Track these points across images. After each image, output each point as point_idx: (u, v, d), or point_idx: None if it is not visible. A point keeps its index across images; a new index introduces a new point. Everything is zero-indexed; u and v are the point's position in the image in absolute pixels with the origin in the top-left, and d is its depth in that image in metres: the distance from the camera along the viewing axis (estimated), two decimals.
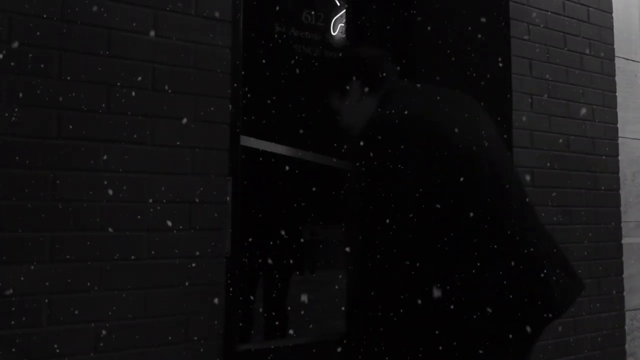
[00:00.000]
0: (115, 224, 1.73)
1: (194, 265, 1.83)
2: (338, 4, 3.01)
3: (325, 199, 3.03)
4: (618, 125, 2.99)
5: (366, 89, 1.61)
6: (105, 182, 1.72)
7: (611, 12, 3.04)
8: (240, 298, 2.52)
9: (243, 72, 2.07)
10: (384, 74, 1.63)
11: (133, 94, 1.78)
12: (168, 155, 1.82)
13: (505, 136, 2.61)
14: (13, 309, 1.58)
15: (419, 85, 1.66)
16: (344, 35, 2.99)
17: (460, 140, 1.43)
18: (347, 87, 1.62)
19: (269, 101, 2.92)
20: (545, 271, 1.39)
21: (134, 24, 1.79)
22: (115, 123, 1.75)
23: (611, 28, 3.02)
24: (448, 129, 1.42)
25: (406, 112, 1.43)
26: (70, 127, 1.68)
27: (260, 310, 3.19)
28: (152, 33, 1.82)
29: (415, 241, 1.38)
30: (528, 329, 1.38)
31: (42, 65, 1.66)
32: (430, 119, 1.43)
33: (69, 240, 1.66)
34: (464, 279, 1.36)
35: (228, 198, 1.92)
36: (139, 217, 1.76)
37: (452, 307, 1.35)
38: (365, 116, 1.53)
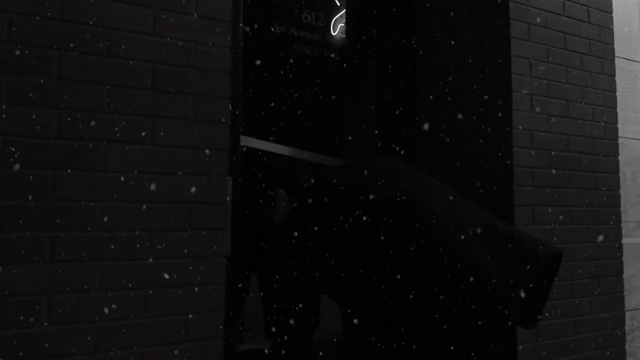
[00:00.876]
0: (115, 224, 1.73)
1: (194, 265, 1.83)
2: (338, 4, 3.01)
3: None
4: (618, 125, 2.99)
5: (287, 197, 1.76)
6: (105, 182, 1.72)
7: (611, 12, 3.04)
8: (241, 298, 2.51)
9: (243, 72, 2.07)
10: (300, 183, 1.77)
11: (133, 94, 1.78)
12: (168, 155, 1.82)
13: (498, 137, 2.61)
14: (13, 309, 1.58)
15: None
16: (344, 35, 2.99)
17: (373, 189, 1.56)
18: (273, 197, 1.77)
19: (269, 101, 2.91)
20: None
21: (134, 24, 1.79)
22: (115, 123, 1.75)
23: (611, 28, 3.02)
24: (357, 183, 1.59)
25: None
26: (70, 127, 1.68)
27: (261, 310, 3.19)
28: (152, 33, 1.82)
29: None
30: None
31: (42, 65, 1.66)
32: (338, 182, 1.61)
33: (69, 240, 1.66)
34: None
35: (228, 198, 1.92)
36: (139, 217, 1.76)
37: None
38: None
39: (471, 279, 1.46)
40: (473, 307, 1.46)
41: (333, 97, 2.91)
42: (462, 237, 1.53)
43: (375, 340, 1.52)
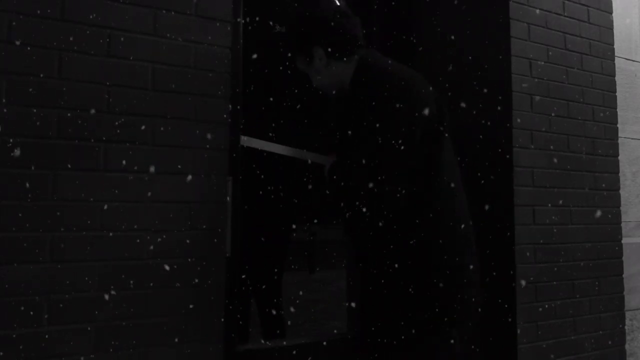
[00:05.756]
0: (115, 224, 1.73)
1: (193, 265, 1.83)
2: (338, 4, 3.00)
3: (325, 199, 3.02)
4: (618, 125, 2.99)
5: (336, 54, 1.72)
6: (105, 182, 1.72)
7: (611, 12, 3.03)
8: (240, 298, 2.51)
9: (243, 72, 2.07)
10: (356, 41, 1.75)
11: (133, 94, 1.78)
12: (168, 155, 1.82)
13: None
14: (13, 309, 1.58)
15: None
16: None
17: (431, 115, 1.62)
18: (314, 51, 1.73)
19: (269, 101, 2.91)
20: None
21: (134, 24, 1.79)
22: (115, 123, 1.75)
23: (611, 28, 3.02)
24: (427, 99, 1.63)
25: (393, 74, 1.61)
26: (70, 127, 1.68)
27: (261, 310, 3.19)
28: (152, 33, 1.82)
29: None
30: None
31: (42, 65, 1.65)
32: (416, 86, 1.62)
33: (69, 240, 1.66)
34: None
35: (228, 198, 1.92)
36: (139, 217, 1.76)
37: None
38: (339, 78, 1.73)
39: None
40: None
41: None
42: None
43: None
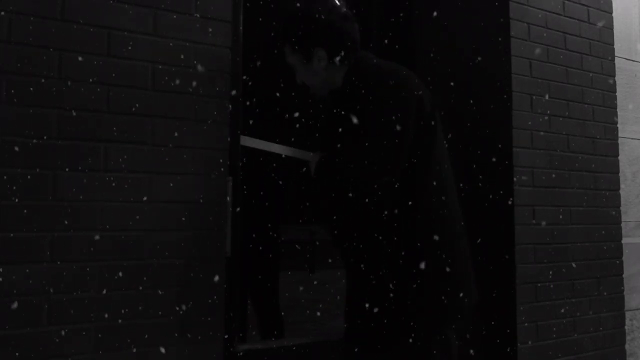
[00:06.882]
0: (115, 224, 1.73)
1: (193, 265, 1.83)
2: (338, 4, 3.00)
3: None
4: (618, 125, 2.99)
5: (337, 57, 1.71)
6: (105, 182, 1.72)
7: (611, 12, 3.04)
8: (240, 298, 2.51)
9: (243, 72, 2.07)
10: (357, 45, 1.74)
11: (133, 94, 1.78)
12: (168, 155, 1.82)
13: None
14: (13, 309, 1.58)
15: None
16: None
17: (428, 110, 1.63)
18: (315, 52, 1.72)
19: (269, 101, 2.91)
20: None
21: (134, 24, 1.79)
22: (115, 123, 1.75)
23: (611, 28, 3.02)
24: (423, 96, 1.64)
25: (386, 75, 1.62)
26: (70, 127, 1.68)
27: (259, 309, 3.19)
28: (152, 33, 1.82)
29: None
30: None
31: (42, 65, 1.65)
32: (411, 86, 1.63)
33: (69, 240, 1.66)
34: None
35: (228, 198, 1.92)
36: (138, 217, 1.76)
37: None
38: (333, 80, 1.73)
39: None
40: None
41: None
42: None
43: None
